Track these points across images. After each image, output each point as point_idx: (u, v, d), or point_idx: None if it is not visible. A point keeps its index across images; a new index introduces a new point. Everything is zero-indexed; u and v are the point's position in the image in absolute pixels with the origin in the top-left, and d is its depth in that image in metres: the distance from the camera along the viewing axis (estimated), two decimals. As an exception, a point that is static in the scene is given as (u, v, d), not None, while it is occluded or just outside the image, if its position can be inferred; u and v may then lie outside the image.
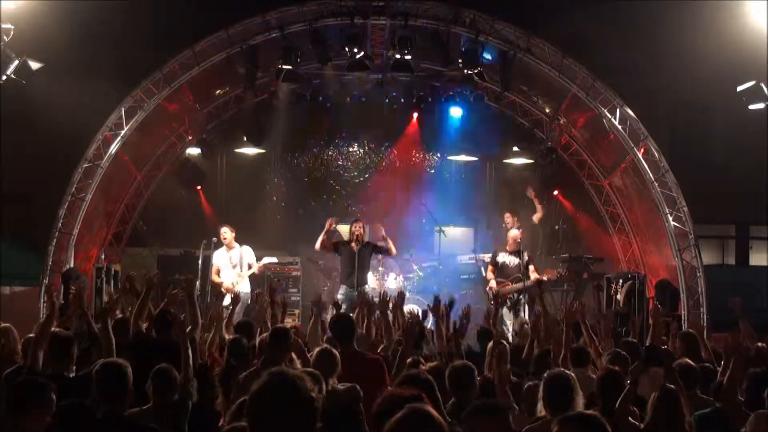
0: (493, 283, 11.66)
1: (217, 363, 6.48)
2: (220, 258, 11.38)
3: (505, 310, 11.40)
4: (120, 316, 7.67)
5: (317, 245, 11.55)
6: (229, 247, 11.44)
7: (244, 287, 11.35)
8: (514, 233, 11.89)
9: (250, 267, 11.42)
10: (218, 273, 11.33)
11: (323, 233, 11.45)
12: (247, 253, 11.51)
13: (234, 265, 11.39)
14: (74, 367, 5.95)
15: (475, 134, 14.35)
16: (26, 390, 4.33)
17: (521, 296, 11.55)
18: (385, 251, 11.69)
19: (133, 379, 4.69)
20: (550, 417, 4.66)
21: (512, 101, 14.09)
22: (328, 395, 4.86)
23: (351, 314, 7.32)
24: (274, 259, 12.04)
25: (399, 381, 4.69)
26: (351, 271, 11.08)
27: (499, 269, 11.75)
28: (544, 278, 11.59)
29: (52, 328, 6.14)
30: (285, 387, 2.65)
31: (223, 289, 11.20)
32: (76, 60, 14.30)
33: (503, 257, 11.80)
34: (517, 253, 11.74)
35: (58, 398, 4.36)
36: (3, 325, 6.86)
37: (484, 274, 12.30)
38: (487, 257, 13.08)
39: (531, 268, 11.67)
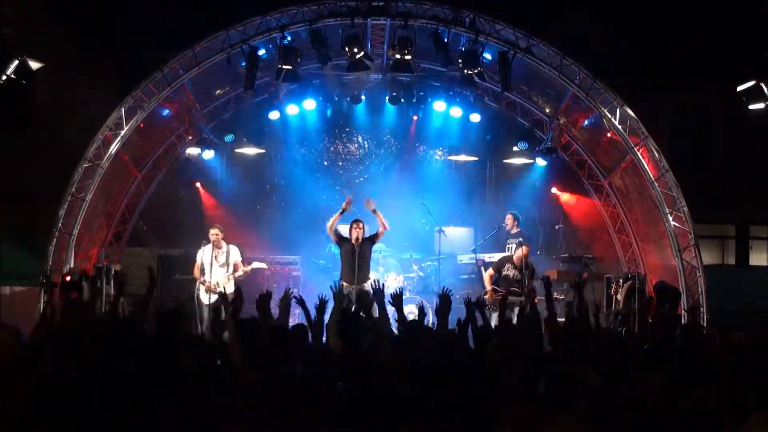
0: (489, 292, 11.64)
1: None
2: (204, 256, 11.39)
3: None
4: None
5: (329, 224, 11.53)
6: (217, 247, 11.43)
7: (230, 287, 11.38)
8: (519, 253, 11.81)
9: (236, 267, 11.43)
10: (201, 270, 11.32)
11: (339, 212, 11.46)
12: (234, 252, 11.53)
13: (222, 265, 11.40)
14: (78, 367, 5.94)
15: (475, 134, 14.37)
16: None
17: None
18: (378, 235, 11.48)
19: (137, 378, 4.67)
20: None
21: (512, 101, 14.10)
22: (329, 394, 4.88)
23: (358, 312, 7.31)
24: (263, 265, 12.04)
25: None
26: (351, 267, 11.09)
27: (502, 278, 11.77)
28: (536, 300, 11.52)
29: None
30: (291, 386, 2.67)
31: (205, 287, 11.22)
32: (76, 60, 14.35)
33: (508, 269, 11.82)
34: (521, 269, 11.75)
35: (62, 398, 4.34)
36: None
37: (483, 274, 12.26)
38: (488, 257, 13.07)
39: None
